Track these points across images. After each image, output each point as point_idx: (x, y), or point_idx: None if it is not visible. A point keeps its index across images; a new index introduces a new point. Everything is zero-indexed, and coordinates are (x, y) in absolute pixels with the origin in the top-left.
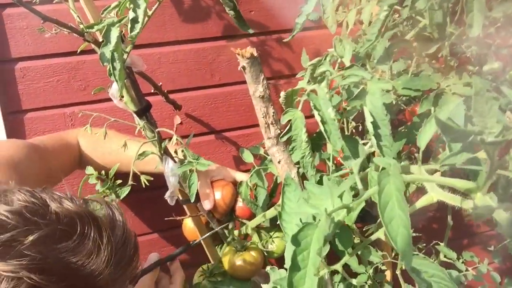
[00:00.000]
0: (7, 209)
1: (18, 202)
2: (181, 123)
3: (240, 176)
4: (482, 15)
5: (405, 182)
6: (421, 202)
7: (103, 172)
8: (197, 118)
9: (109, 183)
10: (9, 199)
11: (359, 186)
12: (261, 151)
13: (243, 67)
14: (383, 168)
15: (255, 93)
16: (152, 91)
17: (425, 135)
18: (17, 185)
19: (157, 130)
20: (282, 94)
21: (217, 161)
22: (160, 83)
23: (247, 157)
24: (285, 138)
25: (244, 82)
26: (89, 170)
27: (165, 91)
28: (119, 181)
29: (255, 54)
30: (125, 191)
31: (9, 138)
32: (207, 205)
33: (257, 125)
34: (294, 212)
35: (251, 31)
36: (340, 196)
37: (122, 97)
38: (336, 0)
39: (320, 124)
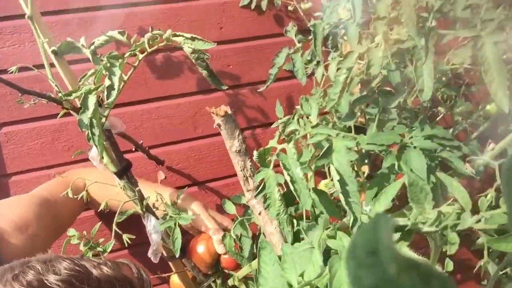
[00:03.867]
0: (58, 279)
1: (65, 271)
2: (164, 178)
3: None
4: (431, 79)
5: None
6: None
7: (84, 232)
8: (181, 171)
9: (90, 243)
10: (56, 268)
11: (319, 262)
12: (244, 200)
13: (218, 125)
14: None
15: (232, 148)
16: (134, 149)
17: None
18: (27, 244)
19: (137, 188)
20: (255, 153)
21: None
22: (141, 141)
23: (229, 208)
24: (259, 197)
25: None
26: (71, 231)
27: (147, 148)
28: (101, 239)
29: (229, 111)
30: (109, 246)
31: None
32: (221, 249)
33: None
34: (270, 276)
35: (224, 87)
36: (302, 274)
37: (103, 158)
38: (305, 55)
39: (289, 183)
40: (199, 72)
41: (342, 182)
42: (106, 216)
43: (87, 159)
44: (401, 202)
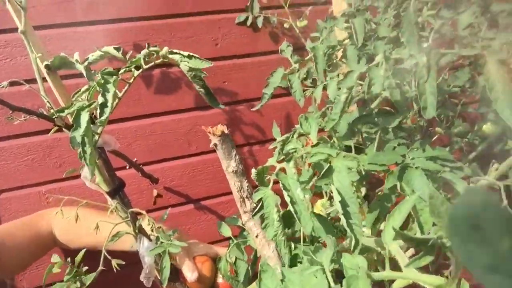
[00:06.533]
0: None
1: None
2: (159, 196)
3: (222, 251)
4: (435, 97)
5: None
6: (396, 285)
7: (68, 259)
8: (175, 189)
9: (74, 272)
10: None
11: (332, 284)
12: (239, 222)
13: (215, 145)
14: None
15: (228, 169)
16: (128, 167)
17: (388, 235)
18: None
19: (130, 210)
20: (253, 171)
21: (197, 231)
22: (135, 159)
23: (225, 230)
24: (257, 217)
25: None
26: (55, 258)
27: (141, 165)
28: (85, 268)
29: (226, 131)
30: (90, 278)
31: None
32: (191, 276)
33: None
34: None
35: (221, 106)
36: None
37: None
38: (300, 72)
39: (289, 204)
40: (192, 88)
41: (343, 203)
42: None
43: (78, 176)
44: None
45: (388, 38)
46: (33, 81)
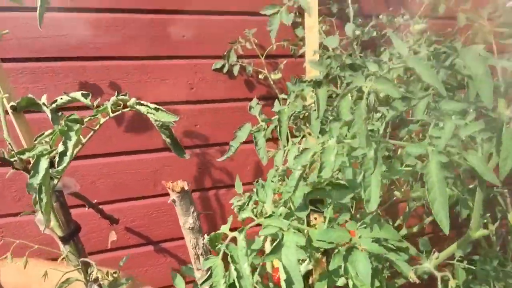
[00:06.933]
0: None
1: None
2: (115, 239)
3: None
4: (378, 190)
5: None
6: None
7: None
8: (136, 230)
9: None
10: None
11: None
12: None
13: (173, 200)
14: None
15: (185, 225)
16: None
17: None
18: None
19: (81, 259)
20: (206, 237)
21: (155, 274)
22: (95, 200)
23: (179, 282)
24: (205, 285)
25: None
26: None
27: (101, 207)
28: None
29: (186, 187)
30: None
31: None
32: None
33: None
34: None
35: (187, 156)
36: None
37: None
38: (268, 131)
39: (235, 279)
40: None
41: (289, 281)
42: None
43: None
44: None
45: (343, 122)
46: None
